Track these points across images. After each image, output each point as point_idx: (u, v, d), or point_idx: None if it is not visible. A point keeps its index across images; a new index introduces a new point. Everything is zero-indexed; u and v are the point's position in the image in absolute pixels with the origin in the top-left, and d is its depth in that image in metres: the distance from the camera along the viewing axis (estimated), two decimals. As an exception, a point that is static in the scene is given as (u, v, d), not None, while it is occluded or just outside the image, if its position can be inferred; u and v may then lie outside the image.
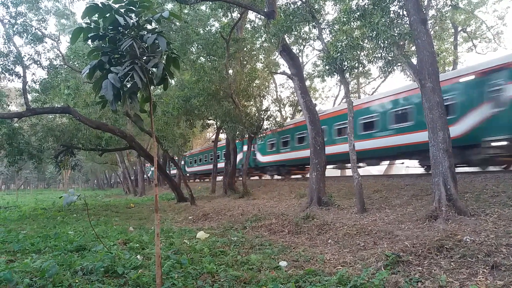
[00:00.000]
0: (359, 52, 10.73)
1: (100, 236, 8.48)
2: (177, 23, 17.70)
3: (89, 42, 4.42)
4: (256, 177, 29.98)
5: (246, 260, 6.55)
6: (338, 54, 10.37)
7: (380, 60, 10.38)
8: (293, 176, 23.32)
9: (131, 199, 29.05)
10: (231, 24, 17.82)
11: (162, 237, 8.94)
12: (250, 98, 20.31)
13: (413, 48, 9.81)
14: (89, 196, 38.37)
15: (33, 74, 34.97)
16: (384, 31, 9.08)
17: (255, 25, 20.09)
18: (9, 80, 16.69)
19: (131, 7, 4.21)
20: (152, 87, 4.95)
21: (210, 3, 17.74)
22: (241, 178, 20.38)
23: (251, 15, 23.05)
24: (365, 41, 10.34)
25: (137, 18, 4.36)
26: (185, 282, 5.21)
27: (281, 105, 30.93)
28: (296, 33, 13.06)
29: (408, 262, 5.63)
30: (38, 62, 17.27)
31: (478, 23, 26.30)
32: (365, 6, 10.00)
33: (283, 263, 6.38)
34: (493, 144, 11.48)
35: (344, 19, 10.42)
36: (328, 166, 15.10)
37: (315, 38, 17.06)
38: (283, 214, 10.93)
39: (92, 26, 4.16)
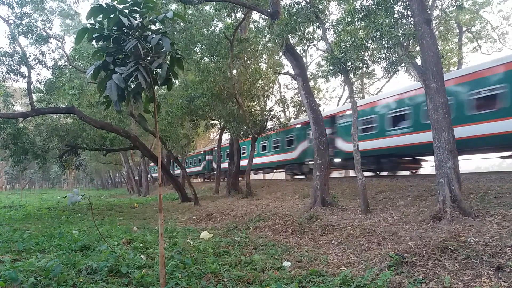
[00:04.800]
0: (363, 53, 10.71)
1: (104, 235, 8.52)
2: (181, 24, 17.73)
3: (94, 42, 4.45)
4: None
5: (249, 260, 6.55)
6: (342, 54, 10.35)
7: (384, 61, 10.35)
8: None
9: (135, 199, 29.15)
10: (235, 25, 17.83)
11: (166, 237, 8.96)
12: (254, 99, 20.31)
13: (418, 48, 9.79)
14: (93, 196, 38.55)
15: (38, 74, 34.98)
16: (388, 31, 9.05)
17: (259, 26, 20.08)
18: (14, 80, 16.84)
19: (135, 8, 4.23)
20: (156, 88, 4.96)
21: (214, 3, 17.76)
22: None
23: (255, 15, 23.05)
24: (369, 42, 10.32)
25: (141, 19, 4.39)
26: (188, 282, 5.21)
27: (285, 106, 30.91)
28: (300, 33, 13.05)
29: (412, 263, 5.61)
30: (43, 63, 17.38)
31: (483, 23, 26.19)
32: (369, 6, 9.97)
33: (286, 264, 6.38)
34: (309, 163, 20.42)
35: (348, 19, 10.40)
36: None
37: (319, 38, 16.97)
38: (286, 214, 10.91)
39: (96, 27, 4.18)
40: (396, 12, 9.80)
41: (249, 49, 18.80)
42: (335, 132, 18.34)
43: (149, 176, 41.48)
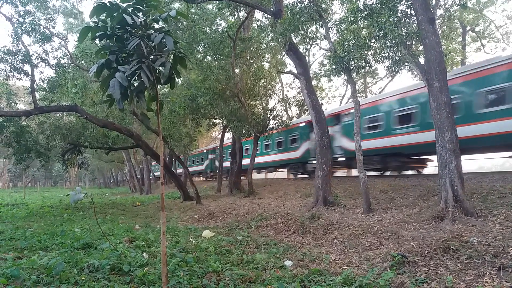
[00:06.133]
0: (366, 52, 10.68)
1: (106, 234, 8.54)
2: (184, 22, 17.72)
3: (97, 41, 4.45)
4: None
5: (251, 259, 6.56)
6: (345, 53, 10.33)
7: (387, 60, 10.33)
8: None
9: (137, 198, 29.18)
10: (237, 23, 17.80)
11: (167, 235, 8.97)
12: (256, 98, 20.28)
13: (421, 47, 9.75)
14: (96, 194, 38.60)
15: (41, 72, 34.79)
16: (392, 30, 9.03)
17: (262, 24, 20.11)
18: (17, 79, 16.84)
19: (138, 6, 4.22)
20: (159, 86, 4.97)
21: (217, 2, 17.78)
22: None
23: (258, 14, 23.08)
24: (372, 41, 10.30)
25: (145, 17, 4.38)
26: (190, 281, 5.22)
27: (288, 105, 30.90)
28: (303, 32, 13.04)
29: (414, 262, 5.61)
30: (46, 61, 17.38)
31: (486, 23, 26.11)
32: (373, 5, 9.94)
33: (288, 263, 6.38)
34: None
35: (352, 18, 10.38)
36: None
37: (322, 37, 17.02)
38: (288, 213, 10.91)
39: (99, 25, 4.18)
40: (399, 11, 9.78)
41: (251, 48, 18.79)
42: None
43: (151, 174, 41.52)
